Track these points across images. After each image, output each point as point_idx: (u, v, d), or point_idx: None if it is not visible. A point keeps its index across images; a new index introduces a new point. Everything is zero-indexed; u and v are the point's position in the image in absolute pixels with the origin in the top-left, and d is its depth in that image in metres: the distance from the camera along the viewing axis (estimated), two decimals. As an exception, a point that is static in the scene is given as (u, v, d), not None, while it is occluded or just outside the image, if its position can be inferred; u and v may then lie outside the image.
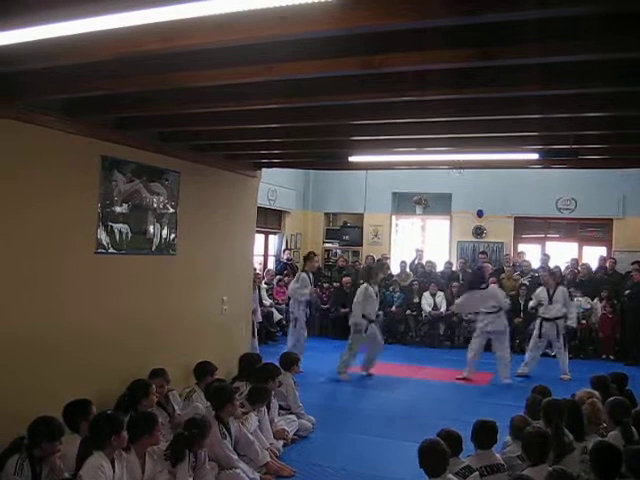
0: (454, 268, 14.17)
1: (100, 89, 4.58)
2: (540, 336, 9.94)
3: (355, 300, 9.69)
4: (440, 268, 14.16)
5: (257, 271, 11.38)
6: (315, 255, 11.13)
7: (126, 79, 4.33)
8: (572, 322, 10.21)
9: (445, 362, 10.97)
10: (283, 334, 12.80)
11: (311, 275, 10.24)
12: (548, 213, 14.25)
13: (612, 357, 11.79)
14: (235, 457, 5.29)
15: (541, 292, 10.23)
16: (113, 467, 4.20)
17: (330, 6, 2.82)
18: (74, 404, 4.75)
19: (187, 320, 7.12)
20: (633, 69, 3.81)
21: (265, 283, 12.89)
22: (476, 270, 10.69)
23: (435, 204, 15.23)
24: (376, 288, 9.95)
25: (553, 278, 10.38)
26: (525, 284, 12.61)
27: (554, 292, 10.03)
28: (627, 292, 11.82)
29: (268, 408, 6.27)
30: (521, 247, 14.59)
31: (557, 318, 9.91)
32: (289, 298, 10.87)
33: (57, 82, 4.50)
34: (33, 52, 3.65)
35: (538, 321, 10.08)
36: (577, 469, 4.34)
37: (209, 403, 5.72)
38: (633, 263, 11.90)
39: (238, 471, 5.17)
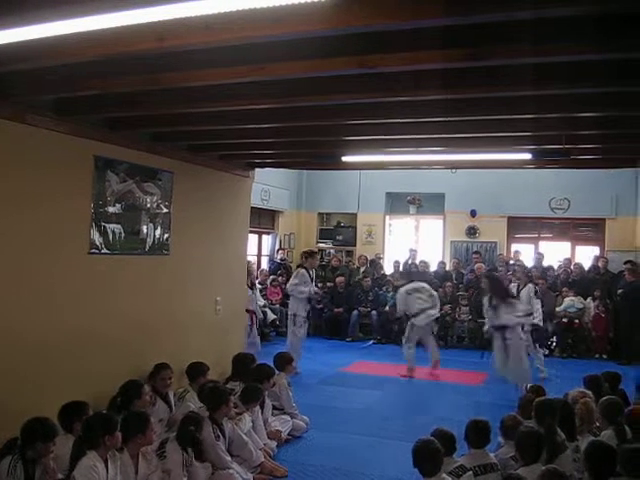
0: (447, 268, 14.20)
1: (92, 89, 4.58)
2: None
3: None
4: (434, 268, 14.18)
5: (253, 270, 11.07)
6: (316, 253, 11.08)
7: (118, 79, 4.32)
8: (538, 320, 10.14)
9: (440, 361, 10.96)
10: (277, 334, 12.81)
11: (312, 272, 10.07)
12: (541, 213, 14.30)
13: (605, 356, 11.82)
14: (228, 458, 5.28)
15: (512, 288, 10.20)
16: (106, 467, 4.19)
17: (323, 6, 2.82)
18: (70, 405, 4.73)
19: (181, 320, 7.11)
20: (625, 69, 3.82)
21: (259, 283, 12.86)
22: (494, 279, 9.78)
23: (428, 204, 15.24)
24: None
25: (525, 274, 10.39)
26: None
27: (522, 288, 10.04)
28: (620, 291, 11.85)
29: (262, 408, 6.27)
30: (514, 247, 14.61)
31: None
32: (287, 296, 10.76)
33: (49, 82, 4.48)
34: (24, 52, 3.64)
35: None
36: (569, 468, 4.36)
37: (202, 404, 5.72)
38: (625, 262, 11.94)
39: (232, 471, 5.17)
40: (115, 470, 4.28)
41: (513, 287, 10.05)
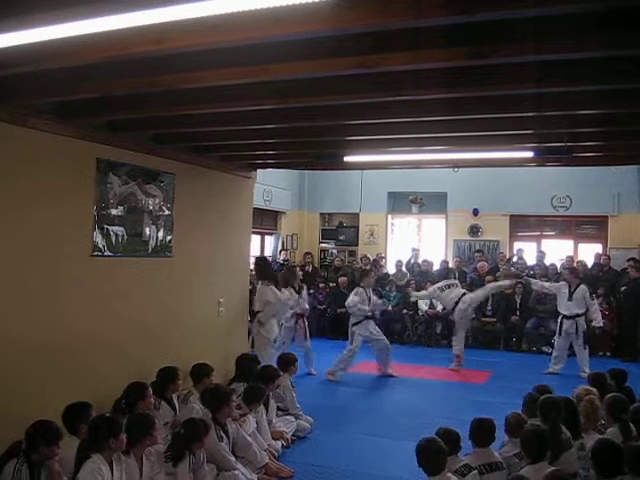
0: (450, 267, 14.18)
1: (93, 91, 4.57)
2: (561, 334, 9.96)
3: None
4: (436, 267, 14.16)
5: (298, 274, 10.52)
6: (370, 271, 11.19)
7: (119, 81, 4.32)
8: (597, 322, 10.09)
9: (442, 361, 10.95)
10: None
11: (369, 291, 9.87)
12: (543, 211, 14.29)
13: (609, 354, 11.80)
14: (232, 459, 5.28)
15: (562, 287, 10.21)
16: (111, 470, 4.18)
17: (324, 6, 2.81)
18: (74, 407, 4.72)
19: (184, 322, 7.11)
20: (626, 66, 3.81)
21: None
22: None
23: (431, 203, 15.22)
24: None
25: (575, 275, 10.37)
26: (521, 282, 12.62)
27: (575, 289, 10.02)
28: (623, 289, 11.84)
29: (266, 409, 6.26)
30: (517, 245, 14.62)
31: (577, 316, 9.91)
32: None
33: (50, 85, 4.48)
34: (25, 55, 3.64)
35: (559, 319, 10.09)
36: (575, 466, 4.35)
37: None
38: (628, 260, 11.93)
39: (237, 472, 5.16)
40: (120, 473, 4.27)
41: (564, 287, 10.04)
